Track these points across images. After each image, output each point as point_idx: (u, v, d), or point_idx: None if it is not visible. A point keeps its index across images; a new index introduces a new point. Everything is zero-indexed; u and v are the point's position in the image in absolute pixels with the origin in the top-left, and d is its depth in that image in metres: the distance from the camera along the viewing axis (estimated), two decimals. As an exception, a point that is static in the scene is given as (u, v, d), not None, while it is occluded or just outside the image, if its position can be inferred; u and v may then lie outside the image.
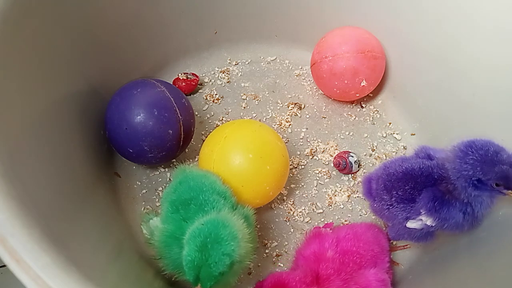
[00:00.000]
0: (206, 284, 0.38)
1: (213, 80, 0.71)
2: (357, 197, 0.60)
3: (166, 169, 0.61)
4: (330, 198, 0.60)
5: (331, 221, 0.58)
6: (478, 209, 0.43)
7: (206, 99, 0.69)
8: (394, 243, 0.56)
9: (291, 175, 0.61)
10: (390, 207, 0.48)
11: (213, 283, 0.38)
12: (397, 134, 0.66)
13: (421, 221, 0.45)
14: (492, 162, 0.40)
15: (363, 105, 0.70)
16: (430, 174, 0.45)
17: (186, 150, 0.61)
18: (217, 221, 0.41)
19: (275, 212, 0.58)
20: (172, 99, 0.53)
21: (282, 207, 0.59)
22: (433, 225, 0.45)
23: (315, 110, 0.69)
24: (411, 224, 0.47)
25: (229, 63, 0.74)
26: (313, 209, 0.59)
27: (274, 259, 0.55)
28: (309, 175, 0.62)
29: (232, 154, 0.50)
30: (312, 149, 0.64)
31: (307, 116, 0.68)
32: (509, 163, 0.40)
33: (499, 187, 0.41)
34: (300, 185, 0.61)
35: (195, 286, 0.38)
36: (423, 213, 0.45)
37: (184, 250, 0.39)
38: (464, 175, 0.42)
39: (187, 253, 0.39)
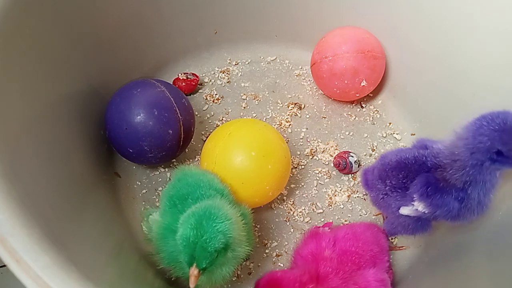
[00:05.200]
0: (201, 263, 0.38)
1: (213, 80, 0.71)
2: (357, 197, 0.60)
3: (166, 169, 0.61)
4: (330, 198, 0.60)
5: (331, 221, 0.58)
6: (483, 194, 0.42)
7: (206, 99, 0.69)
8: (394, 243, 0.56)
9: (291, 175, 0.61)
10: (385, 196, 0.48)
11: (208, 262, 0.38)
12: (397, 134, 0.66)
13: (413, 206, 0.45)
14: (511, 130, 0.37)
15: (363, 105, 0.70)
16: (423, 162, 0.45)
17: (186, 150, 0.61)
18: (210, 204, 0.42)
19: (275, 212, 0.58)
20: (172, 99, 0.53)
21: (282, 207, 0.59)
22: (425, 211, 0.44)
23: (315, 110, 0.69)
24: (403, 210, 0.46)
25: (229, 63, 0.74)
26: (313, 209, 0.59)
27: (274, 259, 0.55)
28: (309, 175, 0.62)
29: (235, 151, 0.50)
30: (312, 149, 0.64)
31: (307, 116, 0.68)
32: None
33: None
34: (300, 185, 0.61)
35: (191, 266, 0.38)
36: (415, 198, 0.44)
37: (179, 232, 0.39)
38: (481, 148, 0.38)
39: (182, 232, 0.39)
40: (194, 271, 0.38)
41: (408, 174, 0.45)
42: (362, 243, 0.48)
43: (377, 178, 0.48)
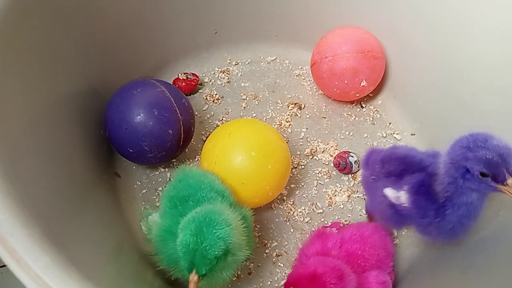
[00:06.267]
0: (201, 270, 0.38)
1: (213, 80, 0.71)
2: (357, 197, 0.60)
3: (166, 169, 0.61)
4: (330, 198, 0.60)
5: (331, 221, 0.58)
6: (461, 220, 0.42)
7: (206, 99, 0.69)
8: (395, 242, 0.56)
9: (291, 175, 0.61)
10: (376, 178, 0.49)
11: (208, 269, 0.38)
12: (397, 134, 0.66)
13: (398, 192, 0.46)
14: (476, 148, 0.38)
15: (363, 105, 0.70)
16: (426, 167, 0.45)
17: (186, 150, 0.61)
18: (211, 209, 0.41)
19: (275, 212, 0.58)
20: (172, 99, 0.53)
21: (282, 207, 0.59)
22: (405, 203, 0.45)
23: (315, 110, 0.69)
24: (387, 191, 0.47)
25: (229, 63, 0.74)
26: (313, 209, 0.59)
27: (274, 259, 0.55)
28: (309, 175, 0.62)
29: (235, 151, 0.50)
30: (312, 149, 0.64)
31: (307, 116, 0.68)
32: (496, 151, 0.37)
33: (485, 178, 0.38)
34: (300, 185, 0.61)
35: (190, 273, 0.38)
36: (405, 187, 0.45)
37: (179, 237, 0.39)
38: (453, 165, 0.40)
39: (182, 238, 0.39)
40: (193, 277, 0.38)
41: (407, 169, 0.46)
42: (369, 247, 0.48)
43: (379, 160, 0.49)
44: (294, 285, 0.42)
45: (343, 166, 0.60)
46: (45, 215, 0.35)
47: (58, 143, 0.46)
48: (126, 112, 0.52)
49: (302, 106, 0.69)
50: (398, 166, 0.47)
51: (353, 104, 0.70)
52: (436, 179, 0.44)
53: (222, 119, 0.67)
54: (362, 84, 0.63)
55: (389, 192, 0.47)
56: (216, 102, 0.69)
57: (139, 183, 0.60)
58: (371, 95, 0.70)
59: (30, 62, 0.43)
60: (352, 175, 0.62)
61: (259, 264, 0.54)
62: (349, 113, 0.69)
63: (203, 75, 0.72)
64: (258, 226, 0.57)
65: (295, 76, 0.73)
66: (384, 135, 0.67)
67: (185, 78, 0.68)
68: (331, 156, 0.63)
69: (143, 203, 0.58)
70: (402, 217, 0.48)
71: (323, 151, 0.64)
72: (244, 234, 0.43)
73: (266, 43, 0.75)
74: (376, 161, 0.50)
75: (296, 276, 0.43)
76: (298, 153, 0.64)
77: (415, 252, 0.55)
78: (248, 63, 0.74)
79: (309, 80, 0.72)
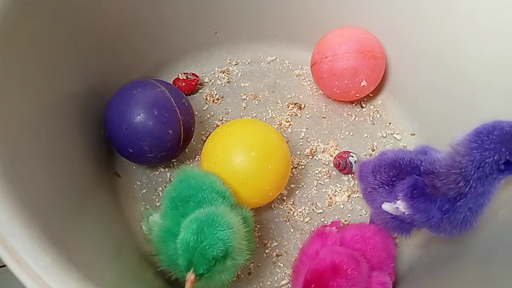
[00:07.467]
0: (198, 269, 0.38)
1: (213, 80, 0.71)
2: (357, 197, 0.60)
3: (166, 169, 0.61)
4: (330, 198, 0.60)
5: (331, 221, 0.58)
6: (472, 210, 0.41)
7: (206, 99, 0.69)
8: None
9: (291, 175, 0.61)
10: (372, 191, 0.48)
11: (205, 269, 0.39)
12: (397, 134, 0.66)
13: (395, 203, 0.45)
14: None
15: (363, 105, 0.70)
16: (417, 166, 0.45)
17: (186, 150, 0.61)
18: (214, 211, 0.42)
19: (275, 212, 0.58)
20: (172, 99, 0.53)
21: (282, 207, 0.59)
22: (405, 212, 0.44)
23: (315, 110, 0.69)
24: (385, 206, 0.47)
25: (229, 63, 0.74)
26: (313, 209, 0.59)
27: (274, 259, 0.55)
28: (309, 175, 0.62)
29: (235, 151, 0.50)
30: (312, 149, 0.64)
31: (307, 116, 0.68)
32: None
33: None
34: (300, 185, 0.61)
35: (188, 272, 0.38)
36: (399, 196, 0.45)
37: (180, 236, 0.40)
38: (489, 162, 0.38)
39: (183, 236, 0.39)
40: (190, 276, 0.38)
41: (399, 174, 0.46)
42: (371, 248, 0.48)
43: (370, 171, 0.49)
44: (317, 282, 0.41)
45: (343, 166, 0.60)
46: (45, 215, 0.35)
47: (58, 143, 0.45)
48: (126, 112, 0.52)
49: (302, 106, 0.69)
50: (389, 172, 0.46)
51: (353, 104, 0.70)
52: (434, 176, 0.42)
53: (222, 119, 0.67)
54: (362, 84, 0.63)
55: (387, 206, 0.47)
56: (216, 102, 0.69)
57: (139, 183, 0.60)
58: (371, 95, 0.70)
59: (30, 62, 0.43)
60: (352, 175, 0.62)
61: (259, 264, 0.54)
62: (349, 113, 0.69)
63: (203, 75, 0.72)
64: (258, 226, 0.57)
65: (295, 76, 0.73)
66: (384, 135, 0.67)
67: (185, 78, 0.68)
68: (331, 156, 0.63)
69: (143, 203, 0.58)
70: (409, 224, 0.47)
71: (323, 151, 0.64)
72: (245, 239, 0.43)
73: (266, 43, 0.75)
74: (368, 172, 0.49)
75: (316, 273, 0.42)
76: (298, 153, 0.64)
77: (415, 252, 0.55)
78: (248, 63, 0.74)
79: (309, 80, 0.72)
